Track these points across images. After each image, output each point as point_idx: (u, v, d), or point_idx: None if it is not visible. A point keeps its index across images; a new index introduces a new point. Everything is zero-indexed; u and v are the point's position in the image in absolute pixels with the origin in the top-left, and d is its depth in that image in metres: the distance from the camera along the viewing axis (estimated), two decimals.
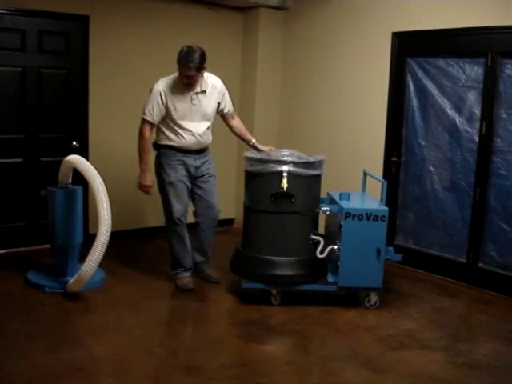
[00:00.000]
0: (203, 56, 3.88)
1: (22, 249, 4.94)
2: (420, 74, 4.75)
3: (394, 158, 4.96)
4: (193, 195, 4.19)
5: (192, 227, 4.26)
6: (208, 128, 4.14)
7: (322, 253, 3.86)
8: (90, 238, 4.05)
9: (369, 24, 5.08)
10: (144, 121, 4.01)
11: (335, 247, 3.87)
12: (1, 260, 4.67)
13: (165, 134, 4.06)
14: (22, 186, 4.87)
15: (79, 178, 4.05)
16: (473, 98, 4.45)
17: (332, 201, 4.11)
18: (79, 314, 3.72)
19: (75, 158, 3.99)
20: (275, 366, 3.17)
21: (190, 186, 4.14)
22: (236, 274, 4.07)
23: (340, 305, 3.99)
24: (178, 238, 4.15)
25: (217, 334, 3.52)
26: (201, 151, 4.15)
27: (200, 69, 3.89)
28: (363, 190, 4.41)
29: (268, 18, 5.78)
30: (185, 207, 4.13)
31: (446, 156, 4.67)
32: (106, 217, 3.69)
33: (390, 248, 3.98)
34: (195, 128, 4.04)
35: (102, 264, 3.81)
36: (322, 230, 4.25)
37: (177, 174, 4.07)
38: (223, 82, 4.21)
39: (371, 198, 4.21)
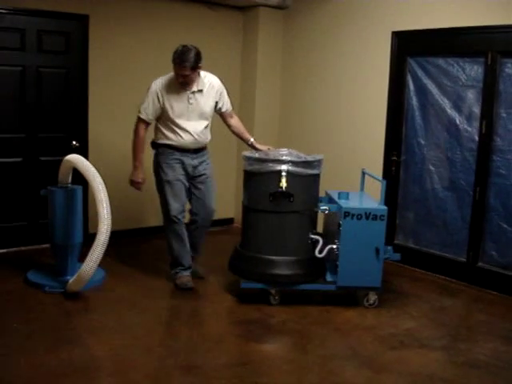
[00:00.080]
0: (198, 55, 3.88)
1: (22, 248, 4.95)
2: (420, 73, 4.75)
3: (394, 158, 4.96)
4: (190, 194, 4.21)
5: (186, 225, 4.27)
6: (206, 127, 4.14)
7: (320, 252, 3.86)
8: (89, 238, 4.06)
9: (368, 23, 5.07)
10: (139, 119, 4.06)
11: (334, 246, 3.87)
12: (1, 259, 4.67)
13: (163, 133, 4.08)
14: (21, 186, 4.88)
15: (79, 177, 4.06)
16: (473, 97, 4.45)
17: (330, 200, 4.11)
18: (79, 314, 3.72)
19: (75, 158, 3.99)
20: (275, 365, 3.17)
21: (187, 184, 4.15)
22: (235, 274, 4.07)
23: (339, 304, 3.99)
24: (176, 237, 4.15)
25: (216, 334, 3.52)
26: (199, 150, 4.16)
27: (195, 68, 3.89)
28: (361, 189, 4.42)
29: (268, 18, 5.78)
30: (182, 206, 4.14)
31: (446, 155, 4.67)
32: (106, 216, 3.69)
33: (389, 247, 3.98)
34: (193, 127, 4.05)
35: (102, 263, 3.81)
36: (320, 229, 4.26)
37: (174, 173, 4.08)
38: (222, 81, 4.21)
39: (370, 198, 4.21)
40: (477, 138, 4.42)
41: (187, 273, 4.23)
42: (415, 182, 4.91)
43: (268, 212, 3.83)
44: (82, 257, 3.87)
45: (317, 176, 3.95)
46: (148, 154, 4.24)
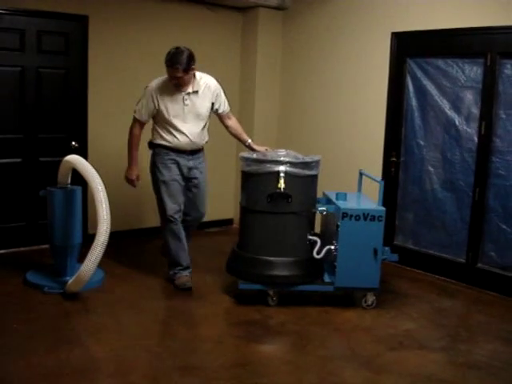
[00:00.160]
0: (190, 57, 3.89)
1: (21, 249, 4.94)
2: (419, 74, 4.75)
3: (393, 158, 4.96)
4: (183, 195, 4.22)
5: None
6: (203, 128, 4.16)
7: (318, 253, 3.86)
8: (89, 238, 4.06)
9: (368, 24, 5.08)
10: (134, 119, 4.12)
11: (332, 247, 3.87)
12: (0, 260, 4.67)
13: (159, 134, 4.11)
14: (21, 186, 4.87)
15: (78, 177, 4.06)
16: (472, 98, 4.45)
17: (328, 201, 4.11)
18: (78, 314, 3.72)
19: (74, 158, 3.99)
20: (274, 366, 3.17)
21: (183, 184, 4.17)
22: (232, 275, 4.07)
23: (338, 305, 3.99)
24: (173, 236, 4.16)
25: (215, 335, 3.52)
26: (194, 152, 4.17)
27: (187, 70, 3.89)
28: (359, 190, 4.41)
29: (267, 18, 5.78)
30: (179, 205, 4.15)
31: (445, 156, 4.67)
32: (105, 217, 3.69)
33: (386, 248, 3.98)
34: (189, 128, 4.06)
35: (101, 264, 3.81)
36: (318, 230, 4.26)
37: (170, 173, 4.10)
38: (220, 82, 4.21)
39: (368, 198, 4.21)
40: (476, 138, 4.42)
41: (186, 273, 4.23)
42: (414, 183, 4.91)
43: (266, 213, 3.83)
44: (82, 257, 3.87)
45: (315, 177, 3.95)
46: (145, 154, 4.25)
